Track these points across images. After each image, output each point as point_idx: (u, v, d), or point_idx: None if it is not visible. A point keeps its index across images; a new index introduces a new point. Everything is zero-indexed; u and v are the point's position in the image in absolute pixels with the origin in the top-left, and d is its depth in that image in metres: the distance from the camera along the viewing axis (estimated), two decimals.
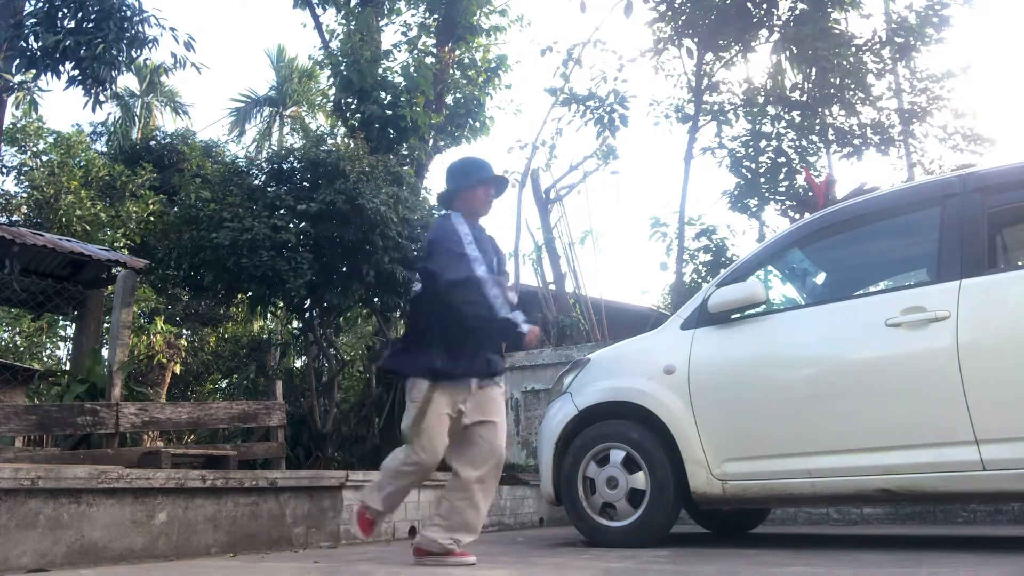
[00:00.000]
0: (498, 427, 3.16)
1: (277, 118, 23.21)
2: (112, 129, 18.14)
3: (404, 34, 11.67)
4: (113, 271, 7.18)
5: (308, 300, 7.62)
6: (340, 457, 8.54)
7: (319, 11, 11.32)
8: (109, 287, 7.65)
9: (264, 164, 7.98)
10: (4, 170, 11.04)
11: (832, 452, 3.41)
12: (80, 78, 8.06)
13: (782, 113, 9.63)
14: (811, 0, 8.92)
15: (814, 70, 8.94)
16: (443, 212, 3.40)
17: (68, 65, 8.04)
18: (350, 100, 10.06)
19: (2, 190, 11.13)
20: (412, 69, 10.23)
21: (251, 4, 48.42)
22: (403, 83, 10.01)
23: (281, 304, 7.98)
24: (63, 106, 47.73)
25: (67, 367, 9.88)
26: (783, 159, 9.50)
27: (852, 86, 8.98)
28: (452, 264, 3.05)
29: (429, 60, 11.03)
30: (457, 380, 3.10)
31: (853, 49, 8.95)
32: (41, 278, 7.10)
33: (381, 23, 11.50)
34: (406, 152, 9.74)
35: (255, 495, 4.06)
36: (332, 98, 10.93)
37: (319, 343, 8.55)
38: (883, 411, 3.31)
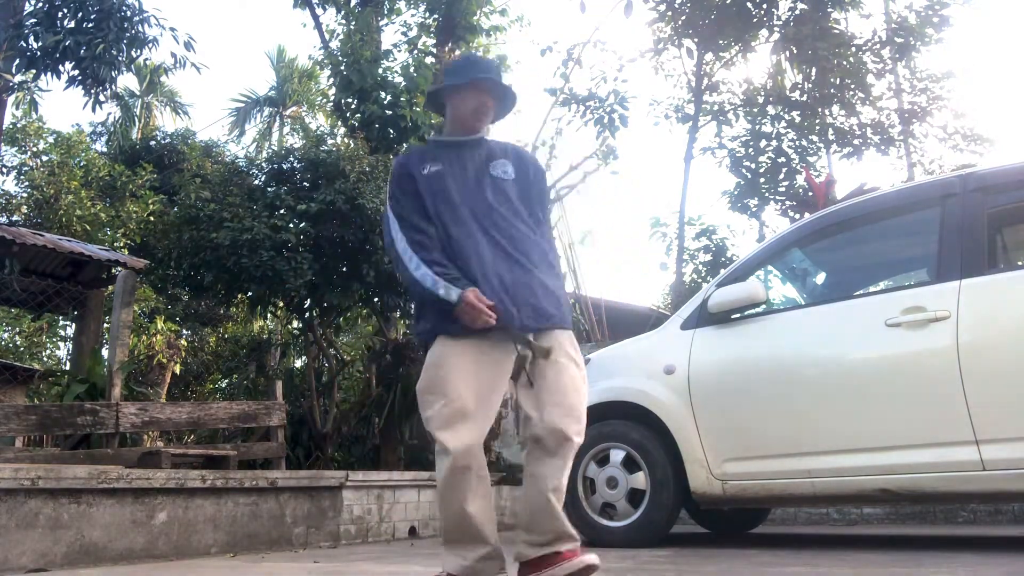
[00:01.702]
0: None
1: (277, 118, 23.21)
2: (112, 129, 18.12)
3: (404, 34, 11.67)
4: (113, 271, 7.18)
5: (308, 300, 7.61)
6: (340, 457, 8.54)
7: (319, 11, 11.32)
8: (109, 287, 7.65)
9: (264, 164, 7.98)
10: (4, 170, 11.03)
11: (832, 452, 3.41)
12: (80, 78, 8.06)
13: (782, 113, 9.63)
14: (811, 0, 8.92)
15: (814, 70, 8.94)
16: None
17: (68, 65, 8.03)
18: (350, 100, 10.05)
19: (2, 190, 11.13)
20: (412, 69, 10.22)
21: (251, 4, 48.44)
22: (403, 83, 10.01)
23: (281, 304, 7.97)
24: (63, 106, 47.75)
25: (67, 367, 9.88)
26: (783, 159, 9.49)
27: (852, 86, 8.97)
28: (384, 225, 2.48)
29: (429, 60, 11.03)
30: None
31: (853, 49, 8.95)
32: (41, 278, 7.09)
33: (381, 23, 11.49)
34: None
35: (255, 495, 4.06)
36: (332, 98, 10.91)
37: (319, 343, 8.54)
38: (883, 411, 3.31)
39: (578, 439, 2.30)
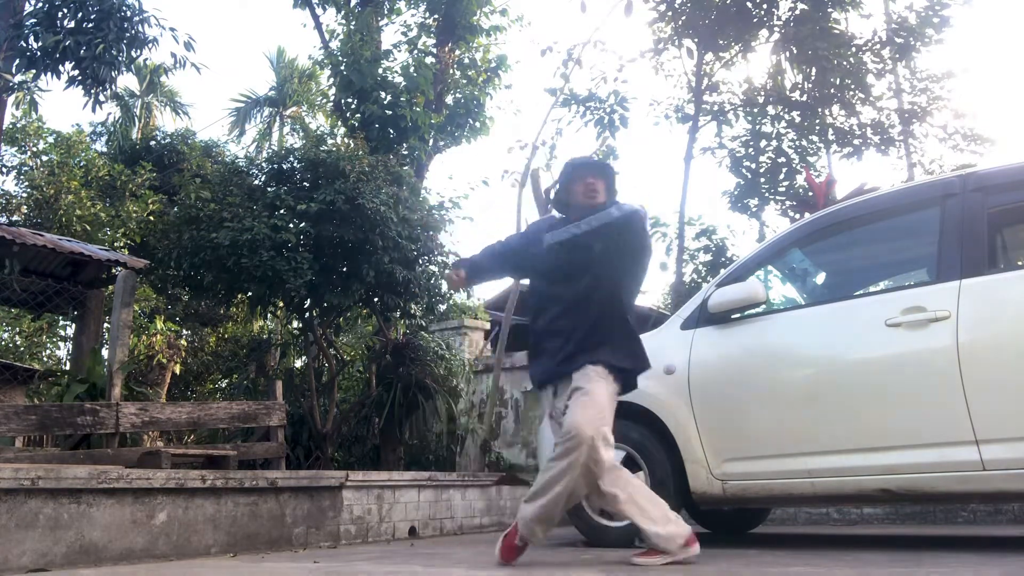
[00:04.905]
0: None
1: (277, 118, 23.20)
2: (112, 129, 18.11)
3: (404, 34, 11.66)
4: (113, 271, 7.18)
5: (308, 300, 7.61)
6: (340, 457, 8.54)
7: (319, 11, 11.32)
8: (109, 287, 7.64)
9: (264, 164, 7.97)
10: (4, 170, 11.04)
11: (832, 452, 3.41)
12: (80, 78, 8.07)
13: (782, 113, 9.63)
14: (811, 0, 8.92)
15: (814, 70, 8.93)
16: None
17: (68, 65, 8.04)
18: (350, 100, 10.05)
19: (2, 190, 11.13)
20: (412, 69, 10.22)
21: (251, 4, 48.47)
22: (403, 83, 10.01)
23: (281, 304, 7.97)
24: (63, 106, 47.74)
25: (67, 367, 9.87)
26: (783, 159, 9.49)
27: (852, 86, 8.97)
28: None
29: (429, 60, 11.03)
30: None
31: (853, 49, 8.94)
32: (41, 278, 7.09)
33: (381, 23, 11.48)
34: (406, 152, 9.73)
35: (255, 495, 4.06)
36: (332, 98, 10.92)
37: (319, 343, 8.54)
38: (883, 411, 3.31)
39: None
